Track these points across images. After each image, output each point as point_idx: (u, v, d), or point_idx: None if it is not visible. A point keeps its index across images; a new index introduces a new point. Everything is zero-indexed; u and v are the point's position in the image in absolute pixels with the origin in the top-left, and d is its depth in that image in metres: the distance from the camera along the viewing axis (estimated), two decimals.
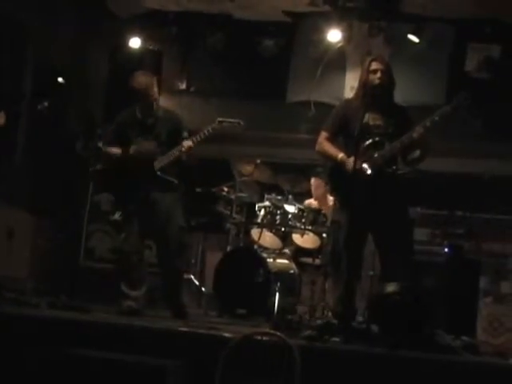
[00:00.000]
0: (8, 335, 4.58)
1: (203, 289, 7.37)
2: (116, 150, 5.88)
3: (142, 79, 5.84)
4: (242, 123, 5.89)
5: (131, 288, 5.83)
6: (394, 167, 5.20)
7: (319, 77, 8.06)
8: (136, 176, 5.78)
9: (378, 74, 5.24)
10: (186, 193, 6.13)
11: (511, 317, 6.32)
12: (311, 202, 7.22)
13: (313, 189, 7.25)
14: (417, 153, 5.20)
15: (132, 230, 5.83)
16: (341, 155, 5.20)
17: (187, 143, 5.70)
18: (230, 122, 5.83)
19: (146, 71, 6.08)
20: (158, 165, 5.75)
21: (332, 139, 5.35)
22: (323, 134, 5.36)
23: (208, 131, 5.75)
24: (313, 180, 7.21)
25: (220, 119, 5.79)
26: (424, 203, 7.18)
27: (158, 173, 5.74)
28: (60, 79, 7.63)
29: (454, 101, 5.09)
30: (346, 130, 5.29)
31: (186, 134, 5.81)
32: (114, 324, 4.77)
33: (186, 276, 7.09)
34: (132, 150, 5.80)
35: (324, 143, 5.33)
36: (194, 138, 5.73)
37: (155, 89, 5.87)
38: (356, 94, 5.42)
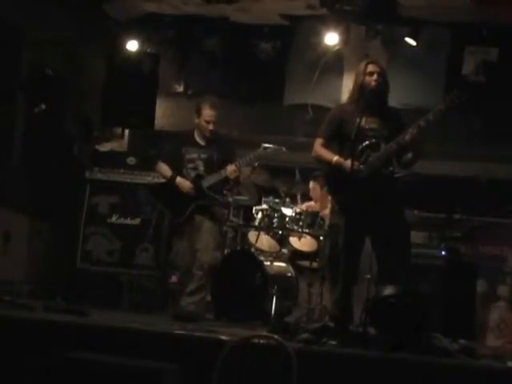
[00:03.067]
0: (4, 338, 4.57)
1: None
2: (165, 172, 6.27)
3: (207, 103, 6.23)
4: (284, 149, 6.30)
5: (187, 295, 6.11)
6: (391, 169, 5.20)
7: (316, 80, 8.07)
8: (186, 194, 6.19)
9: (375, 77, 5.25)
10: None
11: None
12: (309, 205, 7.22)
13: (312, 192, 7.26)
14: (409, 155, 5.20)
15: (182, 242, 6.26)
16: (336, 158, 5.21)
17: (231, 168, 6.08)
18: (274, 148, 6.22)
19: (216, 101, 6.36)
20: (205, 184, 6.16)
21: (327, 144, 5.35)
22: (318, 141, 5.36)
23: (252, 157, 6.20)
24: (311, 183, 7.23)
25: (265, 145, 6.19)
26: (421, 206, 7.18)
27: (206, 191, 6.16)
28: (49, 71, 7.61)
29: (447, 99, 5.08)
30: (341, 134, 5.29)
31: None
32: (111, 327, 4.76)
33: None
34: (177, 181, 6.18)
35: (319, 149, 5.34)
36: (237, 163, 6.11)
37: (215, 113, 6.24)
38: (350, 98, 5.41)
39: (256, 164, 7.20)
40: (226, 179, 6.17)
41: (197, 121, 6.25)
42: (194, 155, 6.25)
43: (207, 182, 6.16)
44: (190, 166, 6.23)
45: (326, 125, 5.41)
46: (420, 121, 5.08)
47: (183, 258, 6.23)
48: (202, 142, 6.28)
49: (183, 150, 6.26)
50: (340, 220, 5.18)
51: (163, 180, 6.34)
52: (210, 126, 6.19)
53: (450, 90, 5.15)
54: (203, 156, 6.23)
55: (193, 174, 6.22)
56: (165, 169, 6.28)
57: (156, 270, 7.47)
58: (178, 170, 6.24)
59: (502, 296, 6.69)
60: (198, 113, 6.23)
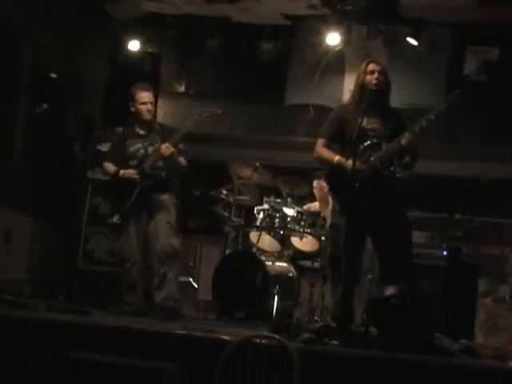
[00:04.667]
0: (6, 338, 4.58)
1: (202, 292, 7.35)
2: (109, 169, 6.22)
3: (138, 87, 6.19)
4: (220, 111, 6.18)
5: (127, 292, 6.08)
6: (392, 169, 5.20)
7: (318, 80, 8.07)
8: (131, 184, 6.06)
9: (376, 75, 5.26)
10: (184, 196, 6.22)
11: (507, 317, 6.33)
12: (311, 206, 7.21)
13: (315, 191, 7.22)
14: (407, 158, 5.21)
15: (129, 232, 6.13)
16: (337, 158, 5.22)
17: (164, 145, 5.97)
18: (208, 112, 6.09)
19: (148, 85, 6.31)
20: (146, 165, 6.05)
21: (329, 145, 5.36)
22: (320, 141, 5.37)
23: (184, 127, 6.03)
24: (315, 182, 7.19)
25: (200, 113, 6.06)
26: (423, 206, 7.18)
27: (148, 170, 6.03)
28: (53, 74, 7.62)
29: (448, 99, 5.10)
30: (342, 134, 5.29)
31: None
32: (112, 327, 4.76)
33: (184, 279, 7.09)
34: (121, 173, 6.11)
35: (321, 149, 5.34)
36: (171, 139, 5.98)
37: (148, 94, 6.20)
38: (352, 98, 5.42)
39: (257, 164, 7.22)
40: (162, 158, 6.02)
41: (133, 109, 6.18)
42: (138, 145, 6.17)
43: (148, 163, 6.05)
44: (137, 155, 6.14)
45: (328, 125, 5.41)
46: (421, 121, 5.09)
47: (130, 248, 6.12)
48: (142, 132, 6.21)
49: (127, 143, 6.20)
50: (341, 220, 5.18)
51: (108, 178, 6.32)
52: (148, 106, 6.14)
53: (451, 91, 5.16)
54: (146, 144, 6.16)
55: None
56: (109, 167, 6.23)
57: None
58: (125, 165, 6.16)
59: (487, 292, 6.68)
60: (132, 99, 6.17)
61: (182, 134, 6.02)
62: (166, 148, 5.94)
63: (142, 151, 6.14)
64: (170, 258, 5.94)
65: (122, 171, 6.10)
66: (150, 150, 6.12)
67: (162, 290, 5.87)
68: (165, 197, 6.10)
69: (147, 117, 6.17)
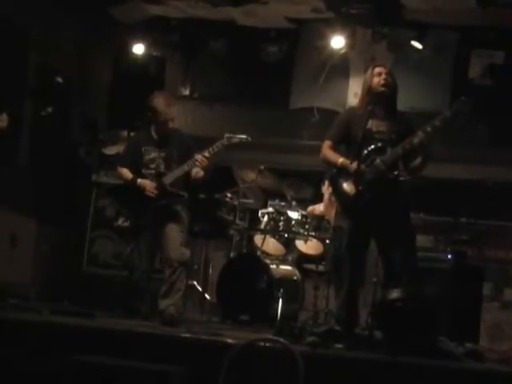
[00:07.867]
0: (11, 341, 4.58)
1: (206, 295, 7.36)
2: (126, 175, 6.09)
3: (162, 100, 6.10)
4: (249, 138, 6.12)
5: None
6: (396, 173, 5.20)
7: (322, 83, 8.07)
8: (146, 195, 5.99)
9: (383, 76, 5.28)
10: (189, 199, 6.20)
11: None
12: (315, 208, 7.20)
13: (325, 191, 7.14)
14: (418, 160, 5.20)
15: (140, 242, 6.09)
16: (341, 160, 5.23)
17: (198, 156, 5.89)
18: (239, 138, 6.05)
19: (164, 91, 6.28)
20: (167, 180, 5.98)
21: (335, 147, 5.37)
22: (327, 143, 5.39)
23: (217, 147, 5.97)
24: (326, 182, 7.12)
25: (228, 136, 5.99)
26: (428, 209, 7.17)
27: (168, 187, 5.96)
28: (59, 79, 7.63)
29: (454, 106, 5.10)
30: (349, 137, 5.30)
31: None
32: (117, 330, 4.77)
33: (189, 282, 7.09)
34: (138, 182, 6.01)
35: (326, 151, 5.36)
36: (206, 153, 5.91)
37: (172, 109, 6.13)
38: (360, 101, 5.44)
39: (261, 167, 7.23)
40: (188, 174, 5.96)
41: (153, 118, 6.11)
42: (154, 154, 6.08)
43: (169, 179, 5.98)
44: (152, 166, 6.07)
45: (335, 127, 5.43)
46: (427, 127, 5.09)
47: (139, 256, 6.08)
48: (159, 139, 6.12)
49: (143, 150, 6.11)
50: (344, 222, 5.19)
51: (122, 181, 6.20)
52: (170, 124, 6.09)
53: (457, 98, 5.15)
54: (162, 154, 6.07)
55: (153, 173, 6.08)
56: (125, 172, 6.12)
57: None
58: (138, 171, 6.08)
59: (491, 296, 6.67)
60: (154, 111, 6.07)
61: (213, 154, 5.96)
62: (203, 160, 5.87)
63: (157, 161, 6.07)
64: (181, 267, 5.93)
65: (139, 180, 6.02)
66: (165, 159, 6.06)
67: (167, 299, 5.85)
68: (178, 207, 6.08)
69: (166, 132, 6.11)
